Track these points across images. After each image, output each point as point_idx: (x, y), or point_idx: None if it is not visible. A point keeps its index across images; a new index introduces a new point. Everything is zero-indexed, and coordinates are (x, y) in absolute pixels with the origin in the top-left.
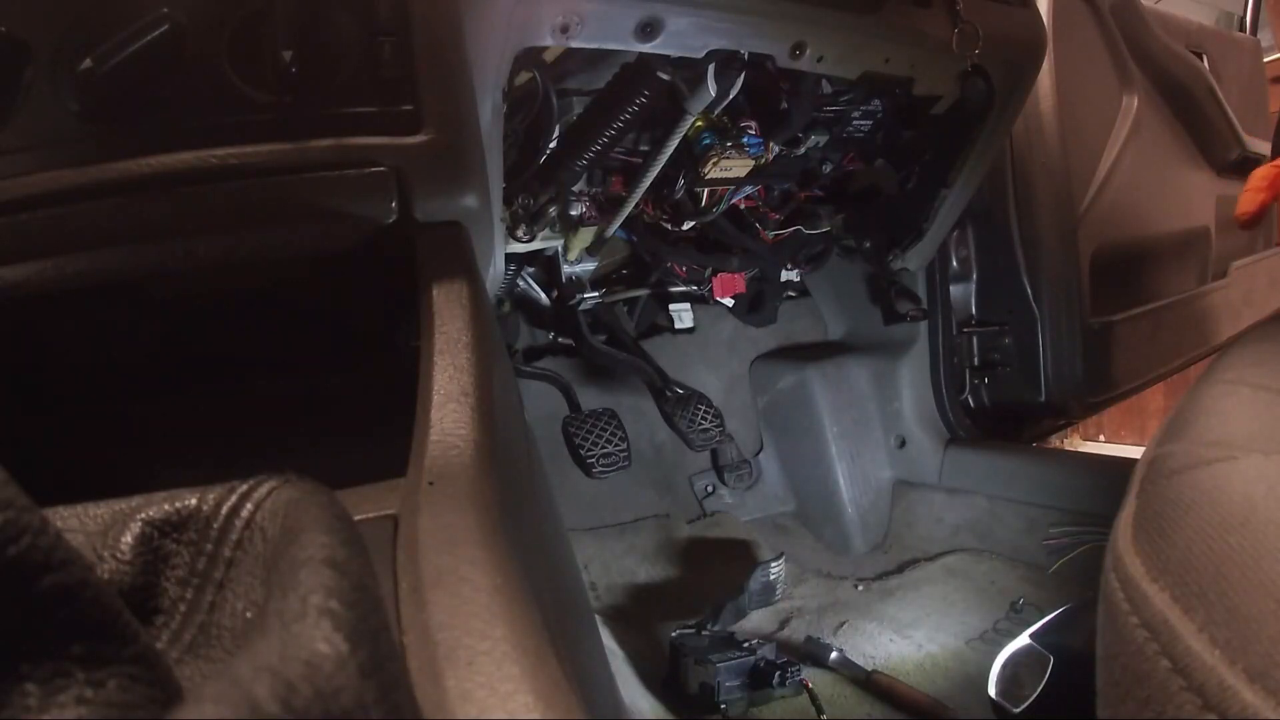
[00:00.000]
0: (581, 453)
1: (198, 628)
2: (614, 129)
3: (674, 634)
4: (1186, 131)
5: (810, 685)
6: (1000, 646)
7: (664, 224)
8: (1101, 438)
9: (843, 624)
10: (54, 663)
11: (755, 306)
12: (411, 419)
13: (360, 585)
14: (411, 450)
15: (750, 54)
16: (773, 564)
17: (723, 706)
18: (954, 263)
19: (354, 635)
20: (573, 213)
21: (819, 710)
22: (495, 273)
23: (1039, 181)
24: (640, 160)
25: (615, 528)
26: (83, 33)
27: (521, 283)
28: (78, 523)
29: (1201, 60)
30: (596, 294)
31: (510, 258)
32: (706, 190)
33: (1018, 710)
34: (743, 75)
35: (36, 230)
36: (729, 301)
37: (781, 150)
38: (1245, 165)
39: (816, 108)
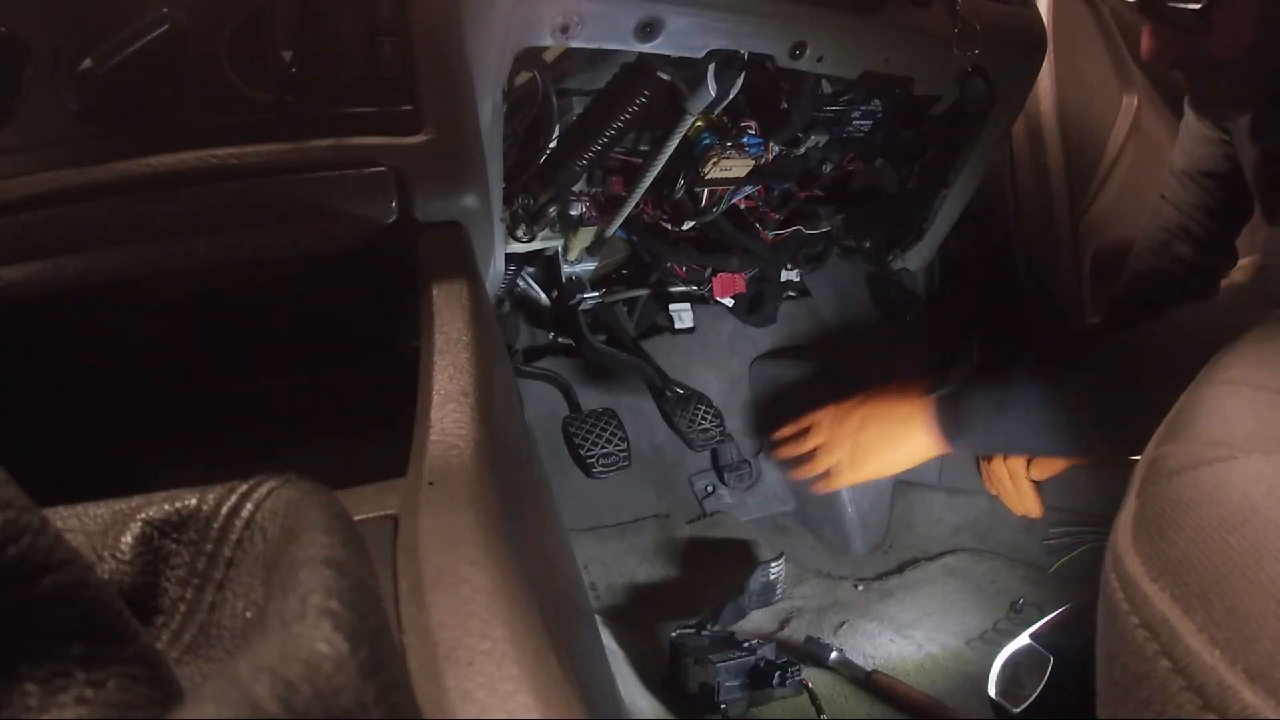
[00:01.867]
0: (581, 453)
1: (198, 628)
2: (614, 129)
3: (674, 634)
4: None
5: (810, 685)
6: (1000, 646)
7: (664, 224)
8: None
9: (843, 624)
10: (54, 663)
11: (755, 306)
12: (411, 419)
13: (360, 585)
14: (411, 450)
15: (750, 54)
16: (773, 564)
17: (723, 706)
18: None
19: (354, 635)
20: (573, 213)
21: (819, 710)
22: (495, 273)
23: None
24: (640, 160)
25: (615, 528)
26: (83, 33)
27: (521, 283)
28: (78, 523)
29: None
30: (596, 294)
31: (510, 258)
32: (706, 190)
33: (1018, 710)
34: (743, 75)
35: (36, 230)
36: (729, 301)
37: (781, 150)
38: None
39: (816, 108)
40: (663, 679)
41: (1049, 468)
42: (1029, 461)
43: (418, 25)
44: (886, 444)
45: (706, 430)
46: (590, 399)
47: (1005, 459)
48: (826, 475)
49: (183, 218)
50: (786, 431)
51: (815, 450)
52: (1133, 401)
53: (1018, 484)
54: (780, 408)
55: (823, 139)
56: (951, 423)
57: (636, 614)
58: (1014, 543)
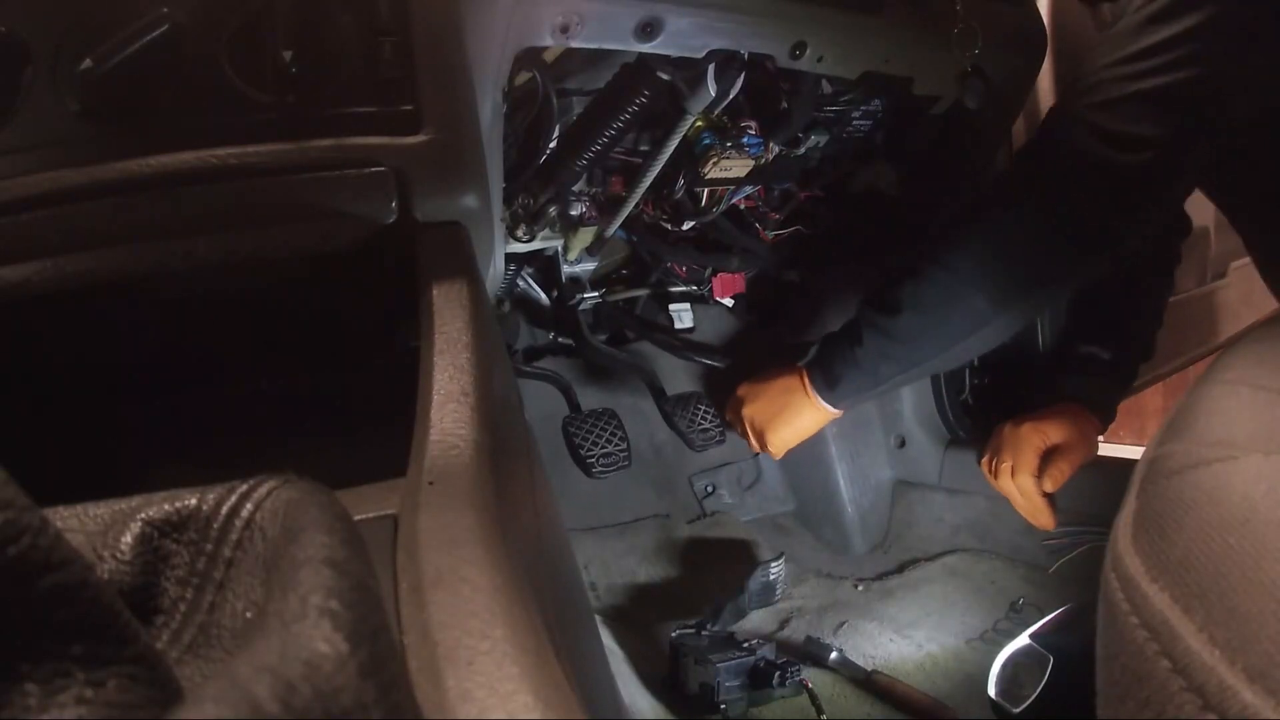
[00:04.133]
0: (581, 453)
1: (198, 628)
2: (614, 129)
3: (674, 634)
4: None
5: (810, 685)
6: (1000, 646)
7: (664, 224)
8: (1101, 438)
9: (843, 624)
10: (54, 663)
11: (755, 306)
12: (411, 419)
13: (360, 585)
14: (411, 450)
15: (750, 54)
16: (773, 564)
17: (723, 706)
18: None
19: (354, 635)
20: (573, 213)
21: (819, 710)
22: (495, 273)
23: None
24: (640, 160)
25: (615, 528)
26: (83, 33)
27: (521, 283)
28: (78, 523)
29: None
30: (596, 294)
31: (510, 258)
32: (706, 190)
33: (1018, 710)
34: (743, 75)
35: (36, 230)
36: (729, 301)
37: (781, 150)
38: None
39: (816, 108)
40: (663, 679)
41: (1059, 478)
42: (1040, 475)
43: (418, 25)
44: (775, 420)
45: (706, 430)
46: (590, 399)
47: (1013, 475)
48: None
49: (183, 218)
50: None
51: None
52: (959, 287)
53: (1029, 497)
54: None
55: (823, 139)
56: (824, 377)
57: (636, 614)
58: (1014, 543)
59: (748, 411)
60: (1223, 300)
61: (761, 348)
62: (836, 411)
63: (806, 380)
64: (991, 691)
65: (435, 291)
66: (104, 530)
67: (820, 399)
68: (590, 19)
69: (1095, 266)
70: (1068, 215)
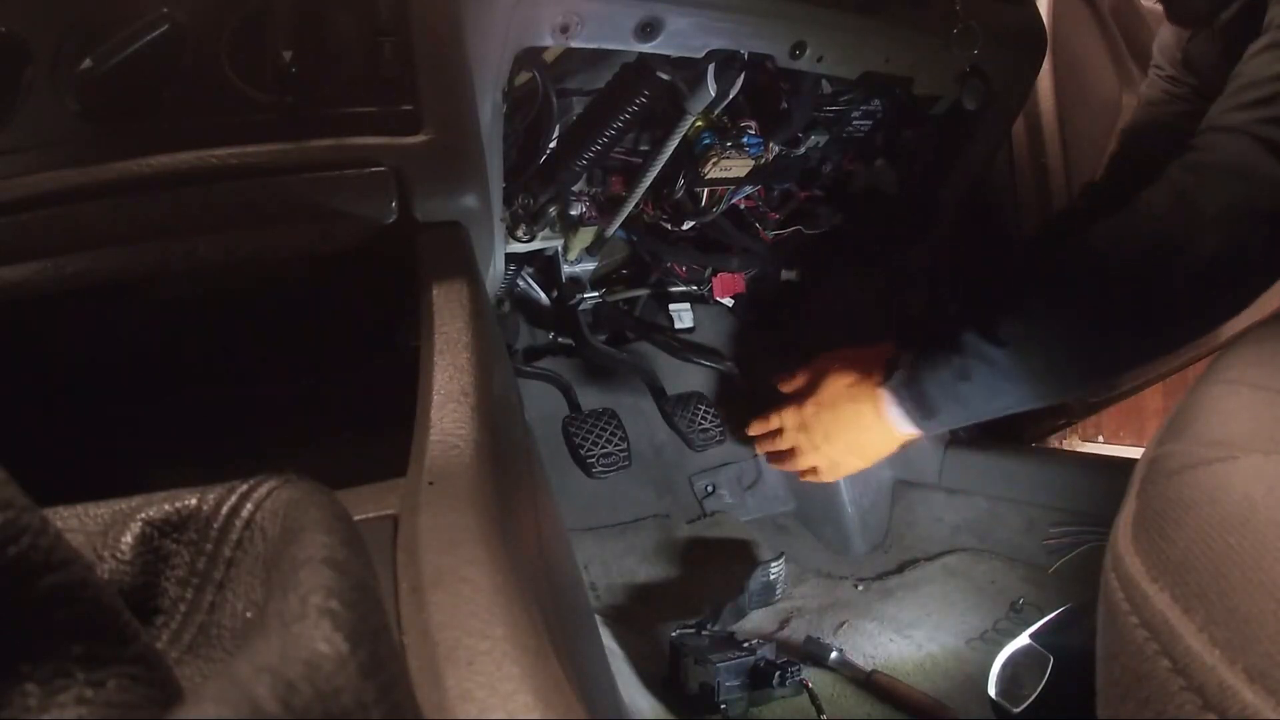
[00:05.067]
0: (581, 453)
1: (198, 628)
2: (614, 129)
3: (674, 634)
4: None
5: (810, 685)
6: (1000, 646)
7: (664, 224)
8: (1101, 438)
9: (843, 624)
10: (54, 663)
11: (755, 306)
12: (411, 419)
13: (360, 585)
14: (411, 450)
15: (750, 54)
16: (773, 564)
17: (723, 706)
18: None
19: (354, 635)
20: (573, 213)
21: (819, 710)
22: (495, 273)
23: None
24: (640, 160)
25: (615, 528)
26: (83, 33)
27: (521, 283)
28: (78, 523)
29: None
30: (596, 294)
31: (510, 258)
32: (706, 190)
33: (1018, 710)
34: (743, 75)
35: (36, 230)
36: (729, 301)
37: (781, 150)
38: None
39: (816, 108)
40: (663, 679)
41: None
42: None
43: (418, 25)
44: (857, 449)
45: (706, 430)
46: (590, 399)
47: None
48: (810, 471)
49: (183, 218)
50: (756, 429)
51: (792, 450)
52: (1096, 318)
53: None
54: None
55: (823, 139)
56: (918, 409)
57: (636, 614)
58: (1014, 543)
59: (827, 446)
60: None
61: (761, 348)
62: (915, 434)
63: (888, 405)
64: (991, 691)
65: (435, 291)
66: (104, 530)
67: (904, 426)
68: (590, 19)
69: (1243, 297)
70: (1226, 239)
